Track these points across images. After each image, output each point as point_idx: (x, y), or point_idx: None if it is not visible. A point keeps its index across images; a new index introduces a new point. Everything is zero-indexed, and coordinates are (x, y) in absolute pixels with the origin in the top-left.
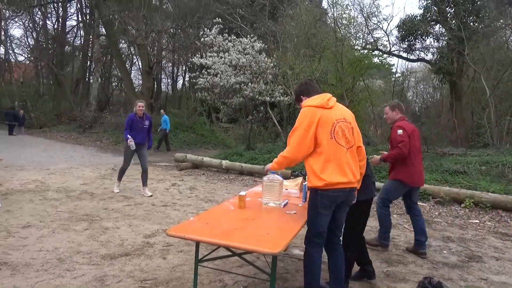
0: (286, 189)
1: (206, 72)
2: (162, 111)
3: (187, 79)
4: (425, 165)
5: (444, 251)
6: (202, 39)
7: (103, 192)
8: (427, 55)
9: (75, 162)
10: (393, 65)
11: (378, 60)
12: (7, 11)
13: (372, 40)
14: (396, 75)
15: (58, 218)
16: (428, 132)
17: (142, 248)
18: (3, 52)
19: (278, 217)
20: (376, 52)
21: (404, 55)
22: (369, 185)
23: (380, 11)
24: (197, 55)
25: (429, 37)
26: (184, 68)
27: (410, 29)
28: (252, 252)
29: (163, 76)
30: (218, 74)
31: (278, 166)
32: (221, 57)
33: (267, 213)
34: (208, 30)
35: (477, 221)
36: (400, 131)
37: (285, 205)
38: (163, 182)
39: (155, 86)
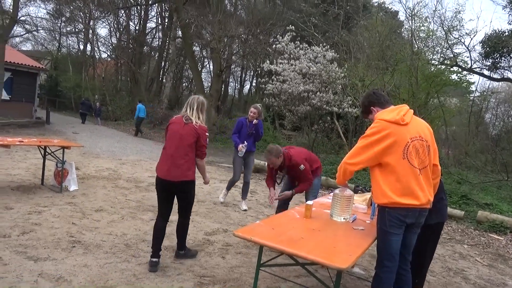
0: (354, 204)
1: (275, 79)
2: (96, 97)
3: (254, 84)
4: (503, 195)
5: None
6: (274, 45)
7: None
8: None
9: (144, 155)
10: (473, 83)
11: (456, 77)
12: (96, 12)
13: (452, 56)
14: (475, 94)
15: (127, 206)
16: (510, 159)
17: (203, 244)
18: (90, 49)
19: (346, 232)
20: (455, 69)
21: (487, 73)
22: (441, 208)
23: (462, 25)
24: (267, 61)
25: None
26: (252, 74)
27: (496, 46)
28: (317, 264)
29: (231, 80)
30: (286, 81)
31: (338, 173)
32: (292, 64)
33: (333, 226)
34: (280, 37)
35: None
36: (302, 166)
37: (353, 220)
38: (225, 182)
39: (223, 89)
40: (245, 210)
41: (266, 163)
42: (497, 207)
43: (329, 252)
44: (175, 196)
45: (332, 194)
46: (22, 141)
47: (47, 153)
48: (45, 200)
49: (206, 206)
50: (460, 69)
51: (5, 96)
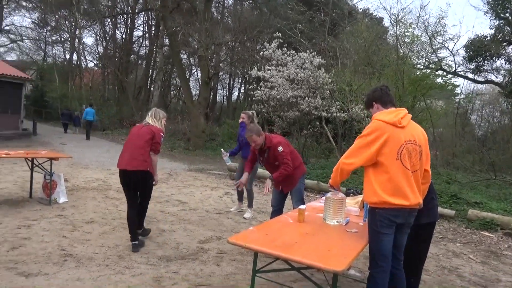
0: (346, 207)
1: (263, 85)
2: (83, 106)
3: (242, 91)
4: (492, 193)
5: None
6: (261, 52)
7: (160, 195)
8: (497, 77)
9: None
10: (458, 85)
11: (441, 80)
12: (82, 21)
13: (436, 60)
14: (461, 97)
15: (119, 216)
16: (496, 158)
17: (197, 253)
18: (76, 58)
19: (339, 235)
20: (440, 72)
21: (471, 76)
22: (432, 208)
23: (446, 30)
24: (254, 67)
25: (500, 58)
26: (240, 80)
27: (478, 50)
28: (312, 268)
29: (219, 87)
30: (275, 87)
31: (334, 174)
32: (279, 71)
33: (327, 229)
34: (268, 44)
35: None
36: (280, 148)
37: (347, 223)
38: (217, 190)
39: (212, 96)
40: (245, 218)
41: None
42: (486, 205)
43: (324, 256)
44: (136, 185)
45: (324, 198)
46: (9, 154)
47: (34, 165)
48: (34, 214)
49: (198, 214)
50: (445, 73)
51: None
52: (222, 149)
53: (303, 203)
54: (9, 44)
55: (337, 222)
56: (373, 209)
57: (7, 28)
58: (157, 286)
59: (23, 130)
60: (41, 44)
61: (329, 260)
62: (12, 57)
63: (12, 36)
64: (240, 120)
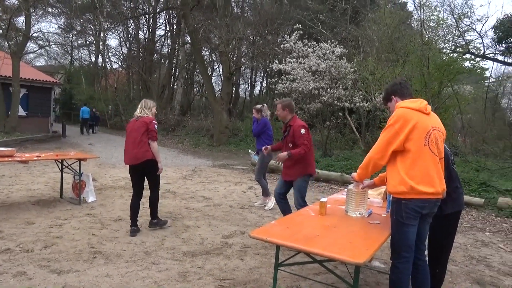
0: (369, 198)
1: (285, 78)
2: (109, 107)
3: (264, 84)
4: None
5: None
6: (282, 45)
7: (185, 192)
8: None
9: None
10: (487, 69)
11: (469, 64)
12: (105, 23)
13: (464, 43)
14: (490, 80)
15: (145, 214)
16: None
17: (221, 248)
18: (101, 61)
19: (361, 227)
20: (467, 56)
21: (501, 58)
22: (457, 197)
23: (473, 12)
24: (275, 61)
25: None
26: (262, 74)
27: (508, 30)
28: (334, 260)
29: (241, 82)
30: (296, 80)
31: (363, 171)
32: (300, 63)
33: (349, 221)
34: (288, 36)
35: None
36: (303, 130)
37: (369, 214)
38: (240, 185)
39: (234, 91)
40: (265, 209)
41: None
42: None
43: (345, 248)
44: (145, 177)
45: (346, 190)
46: (40, 156)
47: (64, 167)
48: (64, 213)
49: (222, 210)
50: (473, 56)
51: (21, 112)
52: (249, 150)
53: (304, 202)
54: (37, 50)
55: (359, 214)
56: (399, 200)
57: (35, 34)
58: (182, 281)
59: (53, 133)
60: (68, 48)
61: (351, 252)
62: (40, 62)
63: (40, 42)
64: (253, 116)
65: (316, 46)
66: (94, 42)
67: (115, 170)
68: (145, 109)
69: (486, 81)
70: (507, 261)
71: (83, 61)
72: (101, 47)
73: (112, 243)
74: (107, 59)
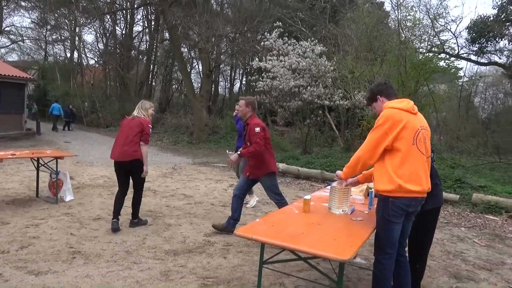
0: (351, 195)
1: (265, 76)
2: (86, 104)
3: (244, 82)
4: (496, 176)
5: None
6: (262, 43)
7: (165, 190)
8: (500, 58)
9: None
10: (461, 68)
11: (444, 64)
12: (81, 18)
13: (439, 43)
14: (464, 79)
15: (125, 212)
16: (501, 141)
17: (203, 246)
18: (77, 56)
19: (345, 224)
20: (442, 55)
21: (474, 58)
22: (437, 194)
23: (448, 12)
24: (255, 58)
25: (503, 39)
26: (241, 72)
27: (481, 31)
28: (319, 258)
29: (220, 79)
30: (277, 78)
31: (350, 170)
32: (281, 61)
33: (332, 218)
34: (268, 34)
35: None
36: (258, 129)
37: (352, 211)
38: (221, 182)
39: (213, 89)
40: (248, 206)
41: None
42: (491, 188)
43: (330, 245)
44: (130, 177)
45: (329, 187)
46: (14, 154)
47: (40, 165)
48: (41, 212)
49: (203, 208)
50: (447, 56)
51: None
52: (227, 150)
53: (280, 196)
54: (10, 45)
55: (342, 211)
56: (386, 198)
57: (7, 29)
58: (165, 280)
59: (27, 130)
60: (42, 44)
61: (336, 249)
62: (13, 57)
63: (12, 36)
64: (234, 113)
65: (296, 44)
66: (70, 37)
67: (93, 168)
68: (142, 110)
69: (460, 80)
70: (482, 256)
71: (58, 57)
72: (76, 42)
73: (92, 243)
74: (83, 55)
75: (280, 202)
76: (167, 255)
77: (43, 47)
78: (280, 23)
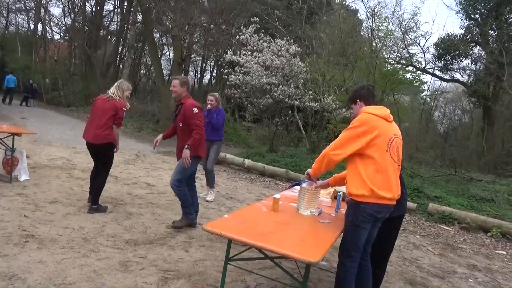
0: (318, 197)
1: (238, 70)
2: (47, 80)
3: (214, 74)
4: (451, 188)
5: (470, 280)
6: (237, 36)
7: (127, 177)
8: (462, 76)
9: None
10: (426, 82)
11: (410, 76)
12: None
13: (407, 55)
14: (427, 93)
15: (84, 197)
16: (457, 155)
17: (165, 238)
18: (41, 29)
19: (313, 225)
20: (410, 68)
21: (439, 73)
22: (402, 202)
23: (418, 27)
24: (229, 51)
25: (466, 58)
26: (212, 64)
27: (448, 48)
28: (287, 258)
29: (191, 69)
30: (249, 73)
31: (317, 165)
32: (255, 56)
33: (301, 219)
34: (244, 28)
35: (504, 252)
36: (196, 109)
37: (319, 213)
38: None
39: None
40: (208, 201)
41: None
42: (445, 199)
43: (298, 246)
44: (99, 155)
45: (296, 187)
46: None
47: None
48: None
49: (166, 198)
50: (414, 69)
51: None
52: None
53: (180, 184)
54: None
55: (310, 212)
56: (358, 203)
57: None
58: (124, 270)
59: None
60: (3, 11)
61: (304, 250)
62: None
63: None
64: (209, 104)
65: (271, 42)
66: (35, 8)
67: (51, 148)
68: (118, 91)
69: (423, 94)
70: (435, 263)
71: (20, 27)
72: (42, 14)
73: (47, 227)
74: (48, 28)
75: (178, 189)
76: (127, 245)
77: (5, 15)
78: (257, 18)
